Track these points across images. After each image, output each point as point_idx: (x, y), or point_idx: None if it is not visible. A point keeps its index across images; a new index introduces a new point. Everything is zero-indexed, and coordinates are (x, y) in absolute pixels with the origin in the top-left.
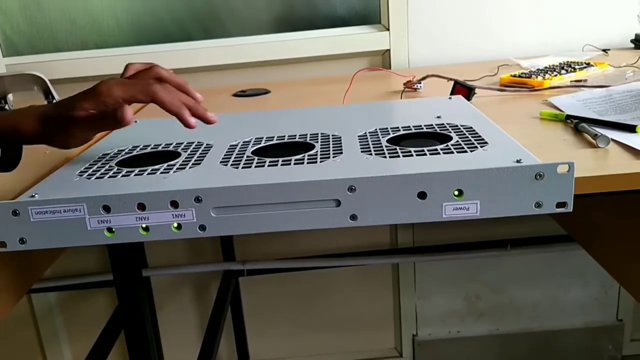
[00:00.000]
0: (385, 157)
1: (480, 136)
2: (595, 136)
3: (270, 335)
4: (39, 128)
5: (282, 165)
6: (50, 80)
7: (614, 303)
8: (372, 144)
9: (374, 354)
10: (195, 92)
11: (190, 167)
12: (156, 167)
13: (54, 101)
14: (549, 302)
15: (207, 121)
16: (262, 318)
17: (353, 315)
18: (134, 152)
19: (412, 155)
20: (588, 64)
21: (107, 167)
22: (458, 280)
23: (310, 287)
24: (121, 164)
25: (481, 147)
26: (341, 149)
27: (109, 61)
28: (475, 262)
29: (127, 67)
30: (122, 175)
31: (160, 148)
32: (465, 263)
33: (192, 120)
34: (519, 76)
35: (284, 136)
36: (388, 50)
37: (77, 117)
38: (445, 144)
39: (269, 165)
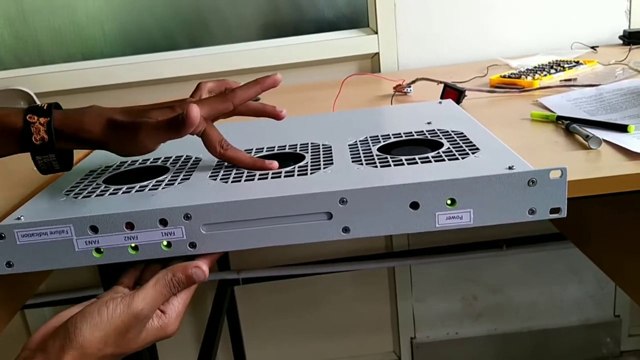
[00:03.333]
0: (376, 166)
1: (471, 142)
2: (586, 137)
3: (268, 343)
4: (106, 133)
5: (272, 178)
6: (37, 94)
7: (610, 299)
8: (363, 153)
9: (372, 358)
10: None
11: (179, 183)
12: (144, 184)
13: None
14: (546, 300)
15: (273, 83)
16: (259, 326)
17: (350, 321)
18: (122, 169)
19: (403, 164)
20: (577, 62)
21: (94, 185)
22: (455, 281)
23: (306, 294)
24: (109, 181)
25: (473, 153)
26: (332, 159)
27: (96, 73)
28: (472, 263)
29: (198, 86)
30: (110, 194)
31: (148, 163)
32: (461, 264)
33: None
34: (509, 77)
35: (274, 147)
36: (377, 54)
37: (146, 124)
38: (437, 151)
39: (258, 179)
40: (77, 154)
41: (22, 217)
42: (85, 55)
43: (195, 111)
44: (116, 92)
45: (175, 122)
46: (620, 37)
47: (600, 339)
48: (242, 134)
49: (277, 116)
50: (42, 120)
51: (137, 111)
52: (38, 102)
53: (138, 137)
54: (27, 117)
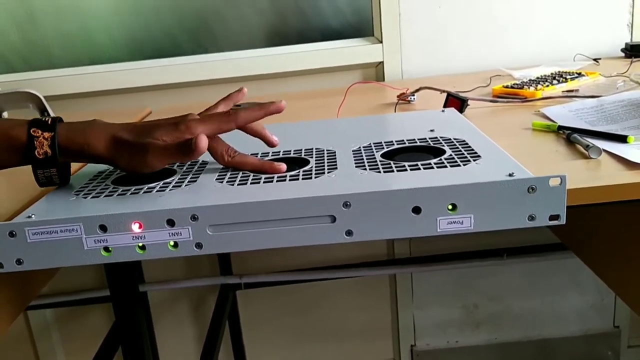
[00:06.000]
0: (379, 172)
1: (473, 150)
2: (587, 147)
3: (268, 348)
4: (111, 150)
5: (277, 181)
6: (45, 97)
7: (610, 310)
8: (367, 159)
9: None
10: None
11: (186, 185)
12: (152, 185)
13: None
14: (546, 310)
15: (279, 109)
16: (260, 331)
17: (351, 327)
18: None
19: (406, 170)
20: (579, 74)
21: (103, 185)
22: (455, 289)
23: (307, 300)
24: (117, 182)
25: (474, 160)
26: (336, 164)
27: (103, 77)
28: (472, 272)
29: (208, 109)
30: (118, 194)
31: None
32: (462, 272)
33: (275, 139)
34: (511, 87)
35: (279, 152)
36: (381, 63)
37: (154, 146)
38: (439, 158)
39: (264, 182)
40: None
41: (32, 216)
42: (93, 59)
43: (204, 141)
44: (123, 97)
45: (183, 148)
46: (622, 50)
47: (600, 350)
48: (248, 138)
49: (270, 143)
50: (46, 134)
51: (141, 129)
52: (47, 105)
53: (145, 157)
54: (31, 131)
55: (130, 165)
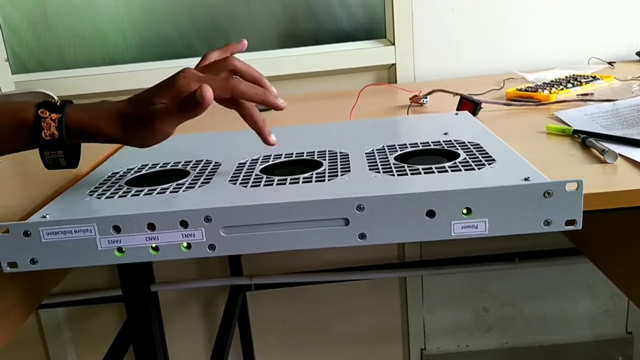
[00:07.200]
0: (393, 175)
1: (487, 153)
2: (602, 151)
3: (277, 349)
4: (119, 128)
5: (290, 183)
6: (58, 97)
7: (623, 315)
8: (380, 162)
9: None
10: (270, 86)
11: (199, 186)
12: (165, 186)
13: None
14: (557, 314)
15: (276, 107)
16: (269, 333)
17: (361, 330)
18: (143, 171)
19: (420, 173)
20: (594, 78)
21: (116, 186)
22: (466, 293)
23: (317, 302)
24: (130, 183)
25: (489, 164)
26: (349, 167)
27: (116, 78)
28: (483, 275)
29: (204, 56)
30: (132, 195)
31: (169, 167)
32: (473, 276)
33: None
34: (525, 90)
35: (292, 154)
36: (394, 65)
37: (157, 111)
38: (453, 162)
39: (277, 184)
40: (97, 155)
41: (47, 216)
42: (106, 60)
43: (209, 93)
44: None
45: (189, 104)
46: (637, 54)
47: (612, 356)
48: (260, 140)
49: (264, 139)
50: (53, 116)
51: (139, 98)
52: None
53: (153, 126)
54: (39, 112)
55: (141, 139)
